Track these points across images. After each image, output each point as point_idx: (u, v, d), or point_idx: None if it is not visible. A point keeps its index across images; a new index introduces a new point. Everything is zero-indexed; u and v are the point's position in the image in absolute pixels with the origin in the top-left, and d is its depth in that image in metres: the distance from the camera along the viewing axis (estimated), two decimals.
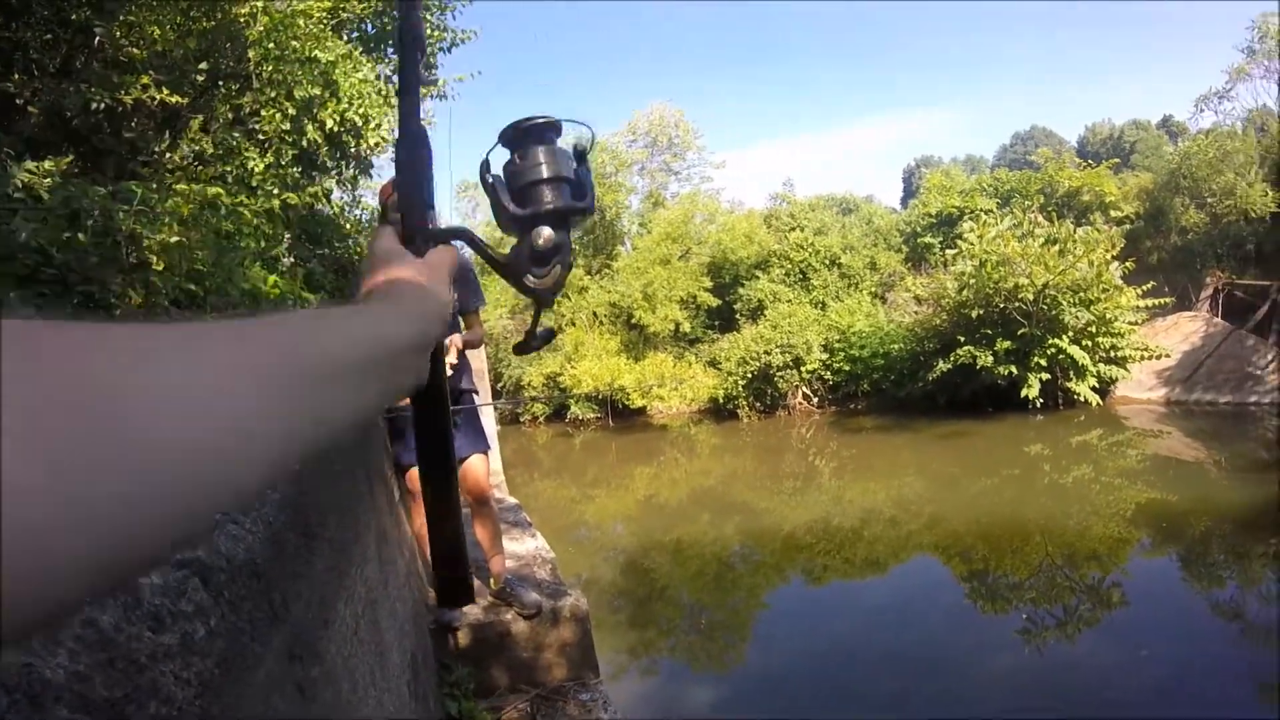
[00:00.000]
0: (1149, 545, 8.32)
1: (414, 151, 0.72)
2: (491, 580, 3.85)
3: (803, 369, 20.67)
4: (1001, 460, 13.02)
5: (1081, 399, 16.39)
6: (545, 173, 0.69)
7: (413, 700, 2.17)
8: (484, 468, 3.66)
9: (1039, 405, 16.40)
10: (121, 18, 7.74)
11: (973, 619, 6.78)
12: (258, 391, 0.34)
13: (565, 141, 0.73)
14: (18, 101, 7.50)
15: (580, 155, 0.73)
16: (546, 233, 0.69)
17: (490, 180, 0.70)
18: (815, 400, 21.34)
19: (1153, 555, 8.09)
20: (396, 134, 0.74)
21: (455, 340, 3.44)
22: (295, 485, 1.22)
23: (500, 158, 0.72)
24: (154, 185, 5.37)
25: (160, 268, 4.64)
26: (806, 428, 19.29)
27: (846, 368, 20.58)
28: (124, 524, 0.25)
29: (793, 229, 25.43)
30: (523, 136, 0.70)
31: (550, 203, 0.70)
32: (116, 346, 0.29)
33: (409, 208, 0.69)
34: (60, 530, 0.23)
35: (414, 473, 3.51)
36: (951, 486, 11.77)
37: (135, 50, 7.82)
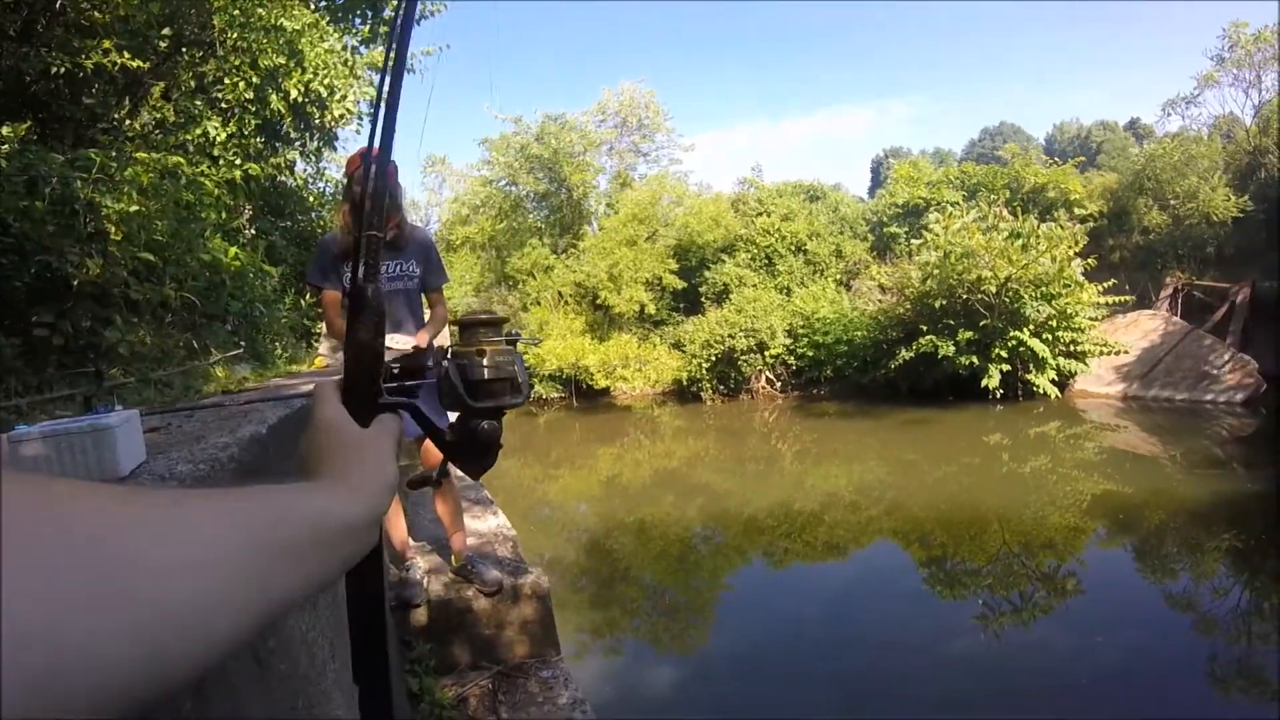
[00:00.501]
0: (1104, 535, 8.47)
1: (367, 306, 0.69)
2: (453, 557, 3.83)
3: (766, 353, 20.80)
4: (961, 449, 13.20)
5: (1041, 391, 16.65)
6: (507, 371, 0.76)
7: None
8: None
9: (999, 396, 16.66)
10: None
11: (931, 604, 6.87)
12: (231, 566, 0.37)
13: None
14: None
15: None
16: (493, 425, 0.77)
17: (446, 367, 0.76)
18: (778, 385, 21.48)
19: (1108, 545, 8.24)
20: (349, 281, 0.72)
21: (421, 338, 3.42)
22: (256, 456, 1.21)
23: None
24: (113, 153, 5.26)
25: (119, 237, 4.55)
26: (769, 412, 19.42)
27: (810, 353, 20.72)
28: (117, 671, 0.29)
29: (760, 214, 25.51)
30: (473, 327, 0.77)
31: (511, 398, 0.77)
32: (115, 513, 0.32)
33: (356, 372, 0.68)
34: (62, 670, 0.26)
35: None
36: (912, 473, 11.90)
37: (97, 14, 7.61)
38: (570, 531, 9.95)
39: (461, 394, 0.75)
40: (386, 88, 0.77)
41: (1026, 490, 10.31)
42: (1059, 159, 25.75)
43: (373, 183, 0.79)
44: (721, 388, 21.21)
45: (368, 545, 0.56)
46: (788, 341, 20.89)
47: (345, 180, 3.62)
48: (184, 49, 8.72)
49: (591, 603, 7.24)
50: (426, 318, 3.63)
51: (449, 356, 0.76)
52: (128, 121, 8.12)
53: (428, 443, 3.55)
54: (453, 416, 0.81)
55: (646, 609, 7.36)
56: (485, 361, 0.75)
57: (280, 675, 1.02)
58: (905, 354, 17.70)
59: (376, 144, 0.77)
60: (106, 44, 7.27)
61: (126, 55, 7.43)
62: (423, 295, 3.62)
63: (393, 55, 0.76)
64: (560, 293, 24.14)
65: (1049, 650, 5.68)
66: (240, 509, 0.41)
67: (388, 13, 11.41)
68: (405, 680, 3.33)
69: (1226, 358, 16.83)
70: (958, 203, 22.15)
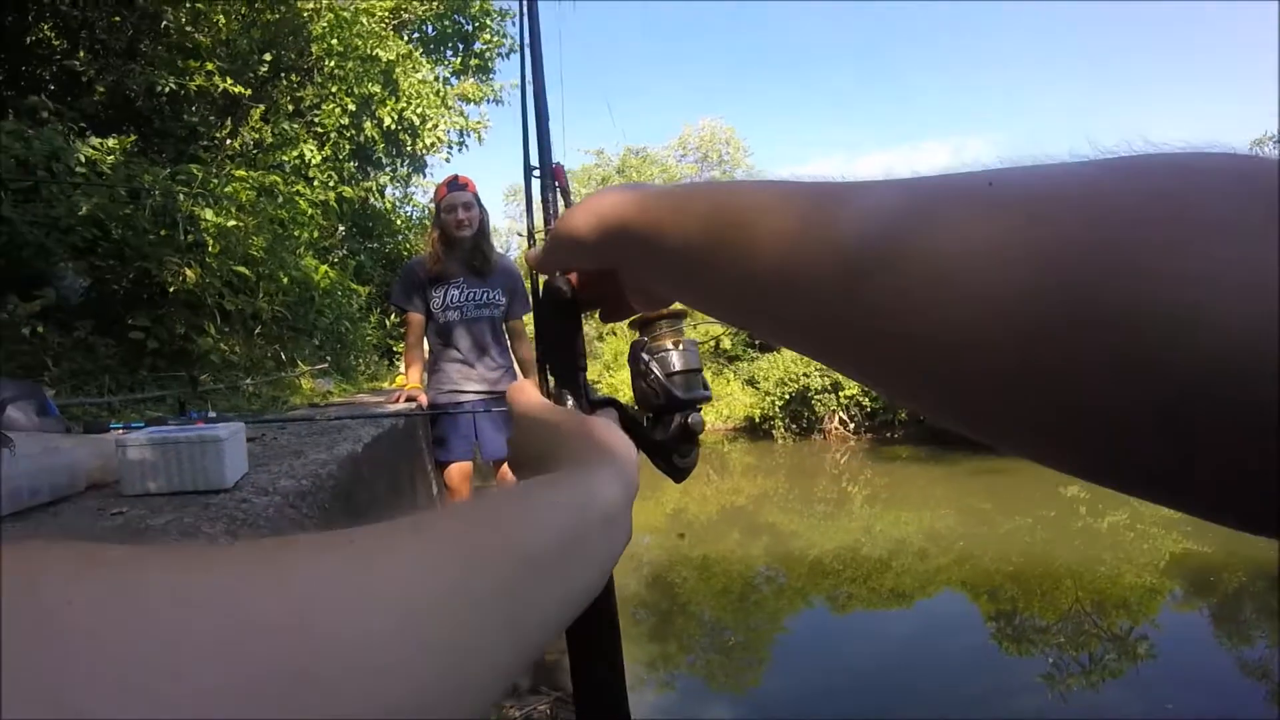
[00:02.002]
0: (1180, 597, 8.12)
1: (560, 310, 0.69)
2: None
3: (841, 393, 20.49)
4: (1037, 500, 12.75)
5: None
6: (695, 363, 0.74)
7: None
8: None
9: None
10: (189, 4, 7.96)
11: (996, 659, 6.64)
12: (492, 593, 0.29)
13: None
14: (83, 79, 7.73)
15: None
16: (697, 417, 0.73)
17: (645, 362, 0.72)
18: (852, 426, 21.12)
19: (1183, 608, 7.89)
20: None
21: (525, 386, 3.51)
22: (349, 473, 1.23)
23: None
24: (214, 169, 5.52)
25: (216, 250, 4.75)
26: (841, 453, 19.10)
27: None
28: None
29: None
30: (656, 320, 0.73)
31: (704, 391, 0.74)
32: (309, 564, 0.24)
33: (561, 371, 0.69)
34: None
35: (452, 469, 3.54)
36: (984, 523, 11.56)
37: (200, 37, 8.03)
38: (633, 563, 9.89)
39: (668, 387, 0.71)
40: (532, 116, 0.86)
41: (1102, 546, 9.93)
42: None
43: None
44: (794, 426, 20.95)
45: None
46: None
47: (433, 206, 3.72)
48: (282, 74, 9.13)
49: (650, 635, 7.18)
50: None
51: (643, 351, 0.73)
52: (228, 141, 8.51)
53: (504, 468, 3.60)
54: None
55: (704, 645, 7.27)
56: (682, 349, 0.72)
57: None
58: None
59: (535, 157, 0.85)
60: (209, 66, 7.67)
61: (228, 79, 7.82)
62: (505, 324, 3.68)
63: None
64: None
65: (1117, 715, 5.47)
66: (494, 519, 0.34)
67: (478, 45, 11.77)
68: None
69: None
70: None
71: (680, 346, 0.72)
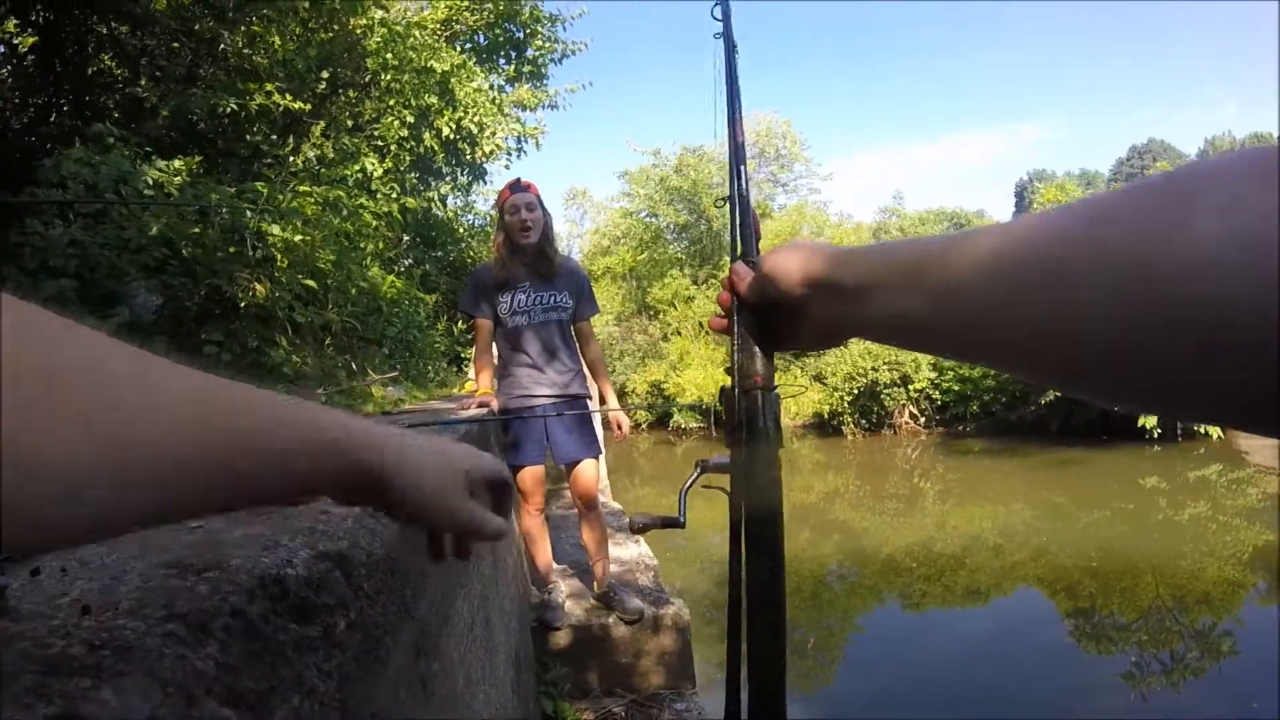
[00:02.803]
0: (1264, 591, 7.79)
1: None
2: (595, 583, 3.86)
3: (910, 387, 20.15)
4: (1114, 492, 12.38)
5: (1202, 430, 15.52)
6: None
7: (515, 697, 2.19)
8: (594, 473, 3.68)
9: (1156, 435, 15.63)
10: (245, 28, 8.18)
11: (1075, 658, 6.50)
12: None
13: None
14: (146, 106, 8.00)
15: None
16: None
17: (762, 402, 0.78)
18: (922, 420, 20.78)
19: (1268, 603, 7.58)
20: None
21: (605, 388, 3.69)
22: None
23: None
24: (279, 186, 5.65)
25: (285, 264, 4.86)
26: (912, 448, 18.79)
27: (955, 388, 19.94)
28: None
29: None
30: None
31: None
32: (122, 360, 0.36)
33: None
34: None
35: (524, 473, 3.55)
36: (1060, 517, 11.30)
37: (258, 59, 8.25)
38: (704, 562, 9.86)
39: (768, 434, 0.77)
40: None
41: (1183, 539, 9.61)
42: None
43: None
44: (863, 422, 20.70)
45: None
46: (933, 375, 20.14)
47: (496, 212, 3.73)
48: (341, 90, 9.33)
49: (721, 635, 7.12)
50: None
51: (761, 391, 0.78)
52: (291, 157, 8.71)
53: (577, 471, 3.60)
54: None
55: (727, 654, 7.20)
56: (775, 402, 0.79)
57: (441, 700, 1.03)
58: (1087, 399, 16.72)
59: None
60: (269, 86, 7.85)
61: (288, 97, 8.00)
62: (572, 327, 3.66)
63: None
64: (701, 323, 24.22)
65: (1199, 715, 5.30)
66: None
67: (531, 52, 11.86)
68: (540, 702, 3.35)
69: None
70: None
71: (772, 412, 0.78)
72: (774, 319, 0.72)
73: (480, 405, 3.34)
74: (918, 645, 7.07)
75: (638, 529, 0.87)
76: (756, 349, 0.77)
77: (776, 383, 0.80)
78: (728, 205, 0.90)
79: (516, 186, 3.52)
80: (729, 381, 0.80)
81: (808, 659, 6.84)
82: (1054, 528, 10.67)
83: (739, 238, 0.86)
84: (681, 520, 0.92)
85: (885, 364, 19.86)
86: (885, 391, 20.07)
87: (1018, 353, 0.43)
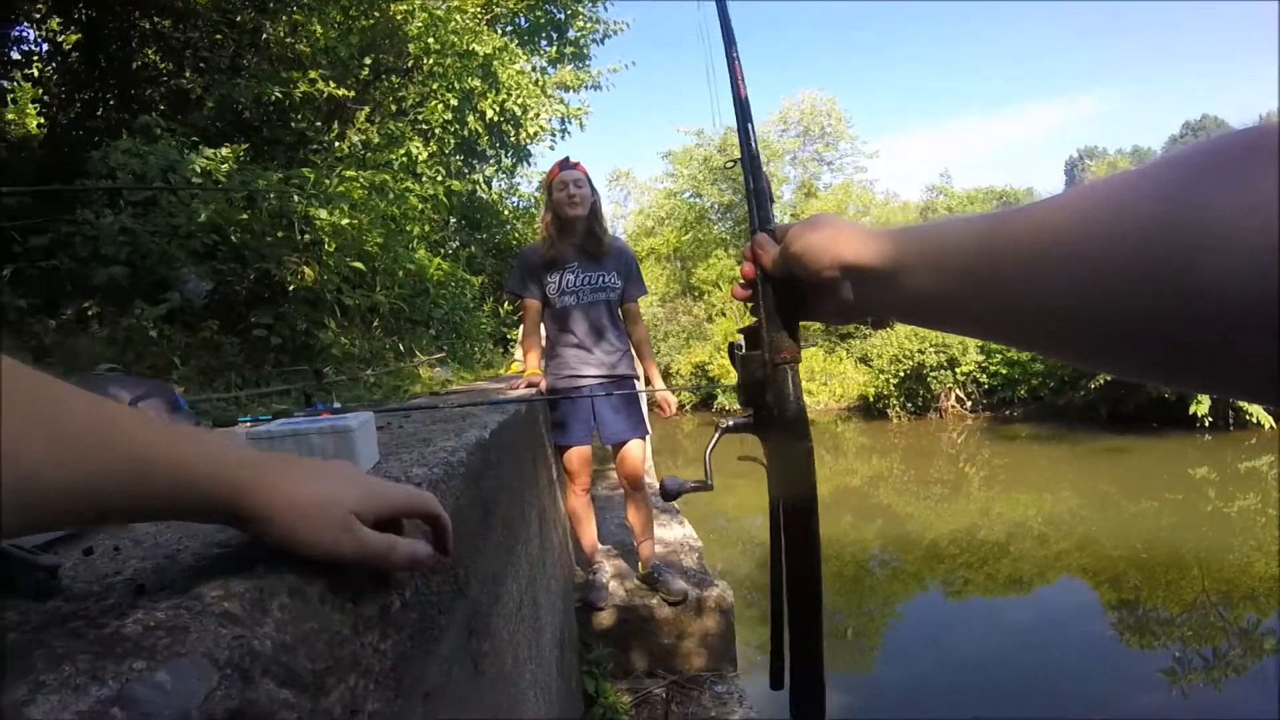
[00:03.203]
0: None
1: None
2: (640, 564, 3.86)
3: (957, 370, 19.85)
4: (1163, 482, 12.09)
5: (1254, 420, 15.05)
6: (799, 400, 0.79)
7: (559, 677, 2.19)
8: (641, 453, 3.67)
9: (1208, 424, 15.18)
10: (286, 17, 8.24)
11: (1116, 651, 6.39)
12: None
13: None
14: (191, 96, 8.12)
15: None
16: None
17: (777, 375, 0.78)
18: (969, 404, 20.46)
19: None
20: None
21: (651, 369, 3.60)
22: (478, 460, 1.22)
23: None
24: (325, 171, 5.71)
25: (332, 248, 4.92)
26: (958, 432, 18.53)
27: (1003, 371, 19.57)
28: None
29: None
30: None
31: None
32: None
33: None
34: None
35: (571, 454, 3.55)
36: (1107, 506, 11.10)
37: (301, 47, 8.32)
38: (746, 544, 9.85)
39: (788, 408, 0.78)
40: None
41: (1231, 533, 9.36)
42: None
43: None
44: (909, 405, 20.45)
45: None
46: (980, 358, 19.79)
47: (544, 190, 3.71)
48: (384, 76, 9.38)
49: (761, 618, 7.12)
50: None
51: (779, 365, 0.78)
52: (336, 143, 8.79)
53: (624, 451, 3.60)
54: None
55: (770, 628, 7.15)
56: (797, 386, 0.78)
57: (491, 679, 1.02)
58: (1106, 375, 16.32)
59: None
60: (312, 74, 7.92)
61: (331, 84, 8.07)
62: (620, 309, 3.64)
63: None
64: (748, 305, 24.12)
65: (1238, 714, 5.19)
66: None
67: (572, 33, 11.83)
68: (582, 681, 3.36)
69: None
70: None
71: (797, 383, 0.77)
72: (798, 292, 0.73)
73: (529, 385, 3.34)
74: (958, 633, 7.00)
75: (670, 495, 0.87)
76: (781, 324, 0.76)
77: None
78: (739, 167, 0.91)
79: (565, 164, 3.50)
80: (738, 339, 0.82)
81: (848, 645, 6.80)
82: (1100, 517, 10.50)
83: (754, 205, 0.87)
84: (710, 483, 0.91)
85: (932, 346, 19.58)
86: (931, 374, 19.80)
87: (1036, 331, 0.45)
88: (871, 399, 20.88)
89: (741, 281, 0.79)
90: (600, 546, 4.02)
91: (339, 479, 0.59)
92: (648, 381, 3.72)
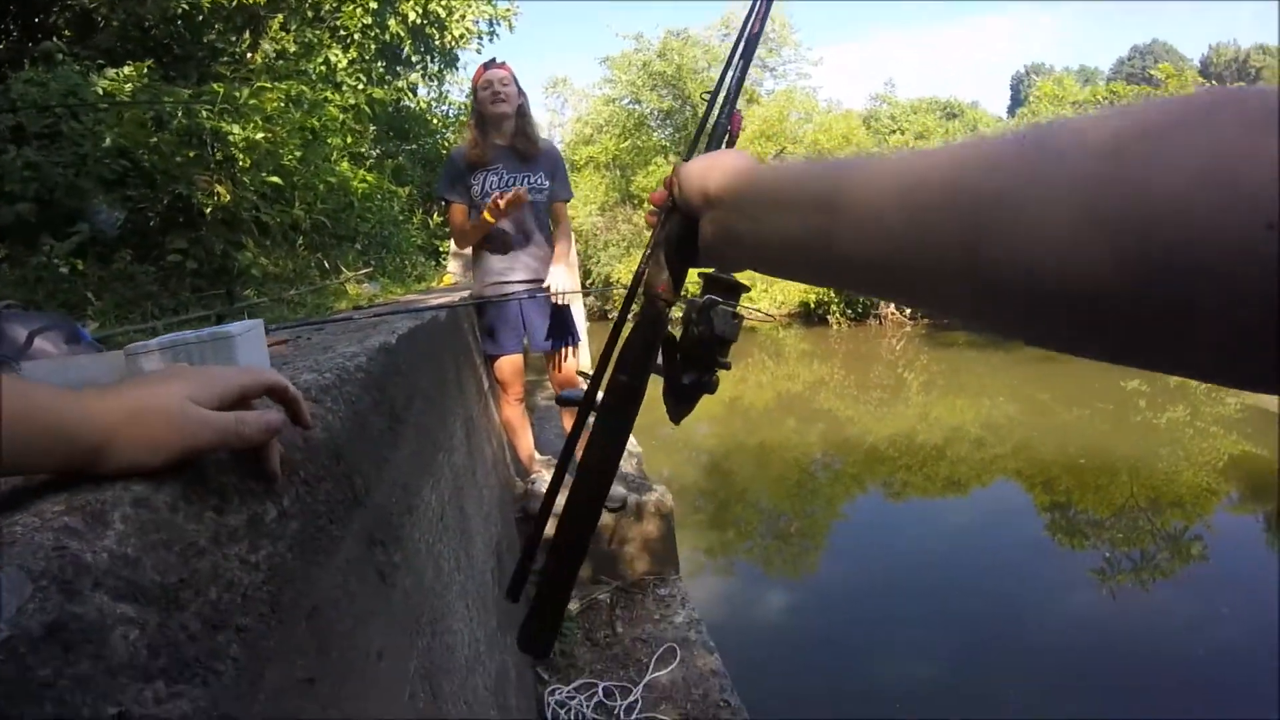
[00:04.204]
0: (1236, 500, 7.87)
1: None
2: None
3: None
4: (1096, 392, 12.47)
5: None
6: (735, 336, 0.78)
7: (495, 586, 2.20)
8: (574, 360, 3.63)
9: None
10: None
11: (1050, 551, 6.62)
12: None
13: None
14: (96, 18, 7.61)
15: None
16: (713, 380, 0.81)
17: (704, 316, 0.76)
18: (908, 311, 20.79)
19: (1239, 511, 7.64)
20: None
21: (559, 267, 3.39)
22: (380, 365, 1.18)
23: None
24: (237, 84, 5.42)
25: (247, 164, 4.70)
26: (897, 339, 18.88)
27: None
28: None
29: (893, 131, 24.51)
30: (733, 290, 0.77)
31: (726, 360, 0.81)
32: None
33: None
34: None
35: (502, 362, 3.51)
36: (1042, 413, 11.44)
37: None
38: (690, 451, 9.99)
39: (714, 347, 0.77)
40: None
41: (1159, 442, 9.67)
42: (1215, 82, 23.30)
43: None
44: (849, 312, 20.70)
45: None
46: None
47: (471, 94, 3.57)
48: None
49: (709, 523, 7.28)
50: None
51: (708, 307, 0.76)
52: (249, 55, 8.34)
53: (556, 358, 3.56)
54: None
55: (762, 532, 7.35)
56: (736, 324, 0.77)
57: (404, 590, 1.00)
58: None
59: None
60: None
61: None
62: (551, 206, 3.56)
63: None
64: None
65: (1167, 615, 5.40)
66: None
67: None
68: (526, 590, 3.40)
69: None
70: None
71: (736, 320, 0.77)
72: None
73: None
74: (899, 534, 7.20)
75: (564, 402, 0.88)
76: (664, 259, 0.75)
77: (747, 304, 0.79)
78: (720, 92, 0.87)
79: (490, 65, 3.38)
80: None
81: (792, 545, 7.00)
82: (1035, 423, 10.81)
83: (700, 133, 0.84)
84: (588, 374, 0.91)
85: None
86: None
87: (931, 294, 0.42)
88: (812, 305, 21.09)
89: (651, 208, 0.77)
90: (539, 456, 4.02)
91: (168, 378, 0.56)
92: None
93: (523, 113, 3.41)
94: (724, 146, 0.82)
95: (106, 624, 0.42)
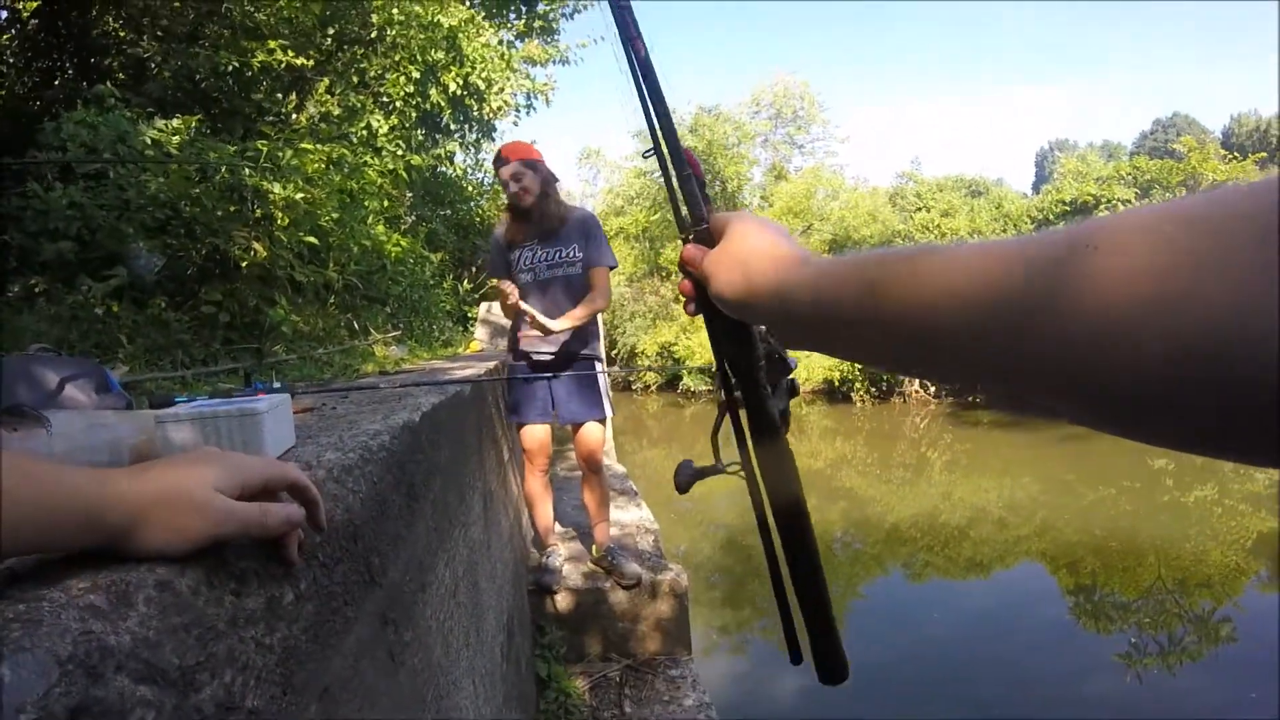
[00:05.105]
0: (1266, 579, 7.69)
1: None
2: (594, 547, 3.85)
3: None
4: (1122, 471, 12.29)
5: None
6: None
7: (504, 662, 2.18)
8: (598, 435, 3.64)
9: None
10: None
11: (1074, 635, 6.48)
12: None
13: None
14: (149, 66, 7.92)
15: None
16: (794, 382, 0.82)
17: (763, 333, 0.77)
18: (932, 390, 20.66)
19: (1269, 590, 7.47)
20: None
21: (572, 318, 3.41)
22: (403, 443, 1.20)
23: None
24: (280, 143, 5.59)
25: (285, 222, 4.82)
26: (921, 417, 18.72)
27: None
28: None
29: (919, 209, 24.63)
30: None
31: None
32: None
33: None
34: None
35: (526, 433, 3.52)
36: (1067, 493, 11.24)
37: (262, 16, 8.13)
38: (708, 526, 9.90)
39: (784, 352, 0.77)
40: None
41: (1188, 522, 9.51)
42: (1238, 154, 23.38)
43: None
44: (873, 389, 20.59)
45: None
46: None
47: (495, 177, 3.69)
48: (346, 47, 9.19)
49: (724, 600, 7.17)
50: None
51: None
52: (294, 115, 8.60)
53: (581, 432, 3.57)
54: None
55: (778, 611, 7.21)
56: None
57: (412, 669, 1.00)
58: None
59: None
60: (272, 44, 7.74)
61: (291, 54, 7.89)
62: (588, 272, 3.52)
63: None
64: None
65: (1194, 700, 5.26)
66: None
67: (541, 6, 11.66)
68: (535, 665, 3.36)
69: None
70: (1130, 200, 20.59)
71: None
72: None
73: (533, 327, 3.35)
74: (919, 616, 7.07)
75: (684, 487, 0.87)
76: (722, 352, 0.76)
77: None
78: (655, 157, 0.80)
79: (498, 160, 3.47)
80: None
81: None
82: (1059, 503, 10.62)
83: (676, 206, 0.77)
84: (721, 465, 0.91)
85: None
86: None
87: (970, 378, 0.43)
88: (836, 383, 21.00)
89: (684, 299, 0.76)
90: (558, 529, 4.01)
91: (196, 462, 0.58)
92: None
93: (545, 193, 3.48)
94: (698, 192, 0.76)
95: (126, 707, 0.44)
